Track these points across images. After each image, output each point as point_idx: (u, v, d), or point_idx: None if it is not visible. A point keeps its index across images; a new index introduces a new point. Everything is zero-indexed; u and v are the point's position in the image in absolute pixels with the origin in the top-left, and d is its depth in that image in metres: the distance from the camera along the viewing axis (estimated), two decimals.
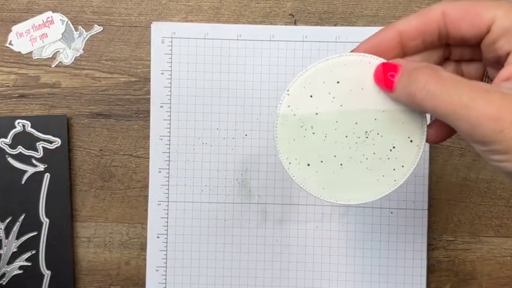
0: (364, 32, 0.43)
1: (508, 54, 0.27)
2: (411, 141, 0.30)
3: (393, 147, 0.30)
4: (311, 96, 0.30)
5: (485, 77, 0.31)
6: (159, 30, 0.46)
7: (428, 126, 0.30)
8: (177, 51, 0.46)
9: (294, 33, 0.46)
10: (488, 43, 0.28)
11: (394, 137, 0.30)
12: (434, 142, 0.31)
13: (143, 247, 0.48)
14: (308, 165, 0.30)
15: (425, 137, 0.30)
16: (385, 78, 0.29)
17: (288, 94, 0.30)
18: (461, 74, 0.31)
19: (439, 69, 0.27)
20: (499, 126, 0.25)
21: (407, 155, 0.30)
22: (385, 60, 0.29)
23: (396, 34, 0.29)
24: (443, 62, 0.32)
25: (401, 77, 0.28)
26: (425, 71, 0.27)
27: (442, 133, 0.30)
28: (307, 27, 0.46)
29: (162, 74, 0.46)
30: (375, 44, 0.30)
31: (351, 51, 0.30)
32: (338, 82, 0.30)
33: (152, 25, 0.46)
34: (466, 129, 0.26)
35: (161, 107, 0.46)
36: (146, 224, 0.48)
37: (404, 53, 0.30)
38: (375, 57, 0.29)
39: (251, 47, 0.46)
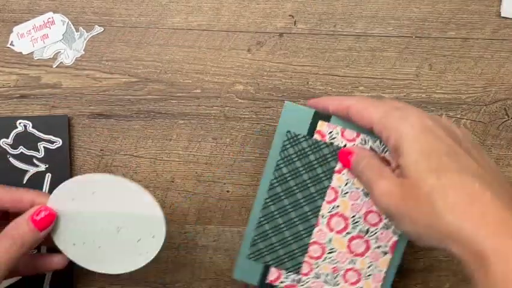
0: None
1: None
2: (153, 236, 0.40)
3: (140, 239, 0.40)
4: (73, 199, 0.40)
5: None
6: None
7: None
8: None
9: None
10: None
11: (139, 233, 0.40)
12: None
13: None
14: (74, 244, 0.41)
15: (164, 235, 0.40)
16: (344, 158, 0.42)
17: (55, 195, 0.40)
18: None
19: (374, 157, 0.40)
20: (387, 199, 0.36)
21: (150, 246, 0.40)
22: None
23: None
24: None
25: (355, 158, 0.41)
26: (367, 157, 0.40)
27: None
28: None
29: None
30: None
31: None
32: (94, 193, 0.40)
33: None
34: (373, 201, 0.38)
35: None
36: None
37: None
38: (114, 176, 0.40)
39: None
